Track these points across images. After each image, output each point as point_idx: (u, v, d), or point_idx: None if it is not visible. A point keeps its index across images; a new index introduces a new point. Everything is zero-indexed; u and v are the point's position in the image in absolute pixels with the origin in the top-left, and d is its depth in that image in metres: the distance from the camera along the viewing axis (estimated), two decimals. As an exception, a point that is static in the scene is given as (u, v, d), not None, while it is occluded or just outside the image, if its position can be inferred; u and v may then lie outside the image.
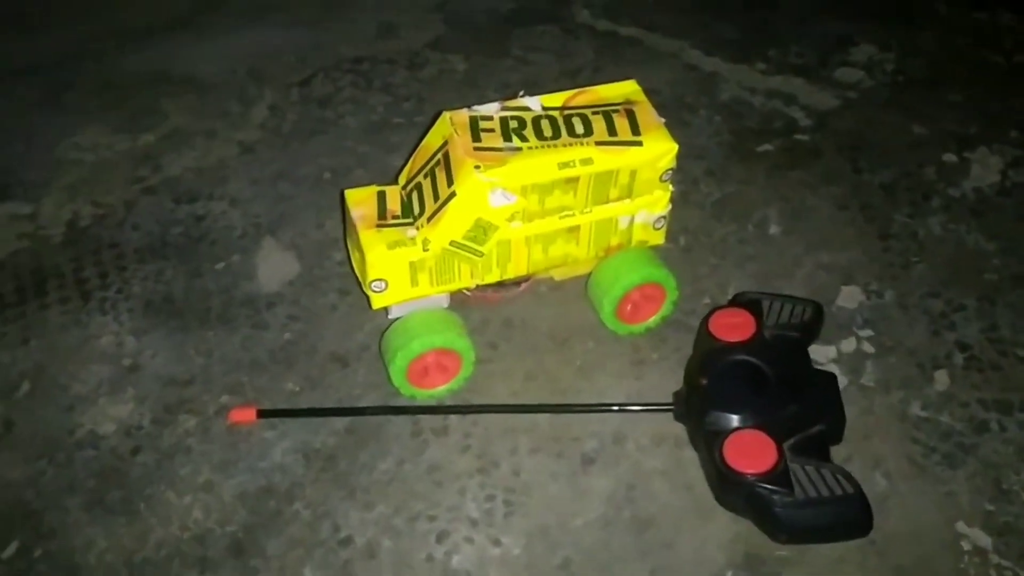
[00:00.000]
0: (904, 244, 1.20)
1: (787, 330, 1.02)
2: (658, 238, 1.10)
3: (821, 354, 1.07)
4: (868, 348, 1.08)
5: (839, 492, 0.87)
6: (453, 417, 1.04)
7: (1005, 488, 0.94)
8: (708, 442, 0.93)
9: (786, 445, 0.91)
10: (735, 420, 0.92)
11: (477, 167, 0.96)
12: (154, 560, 0.93)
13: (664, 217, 1.07)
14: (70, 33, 1.61)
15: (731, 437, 0.91)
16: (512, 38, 1.59)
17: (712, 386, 0.96)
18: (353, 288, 1.18)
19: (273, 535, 0.95)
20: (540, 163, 0.97)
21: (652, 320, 1.10)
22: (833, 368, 1.06)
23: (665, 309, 1.10)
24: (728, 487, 0.90)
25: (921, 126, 1.37)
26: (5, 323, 1.17)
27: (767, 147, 1.36)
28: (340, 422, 1.04)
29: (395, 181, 1.07)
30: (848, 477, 0.89)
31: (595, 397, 1.05)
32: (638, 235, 1.08)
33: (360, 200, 1.04)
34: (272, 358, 1.11)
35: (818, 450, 0.92)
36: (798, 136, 1.37)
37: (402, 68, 1.54)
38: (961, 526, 0.92)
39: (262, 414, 1.04)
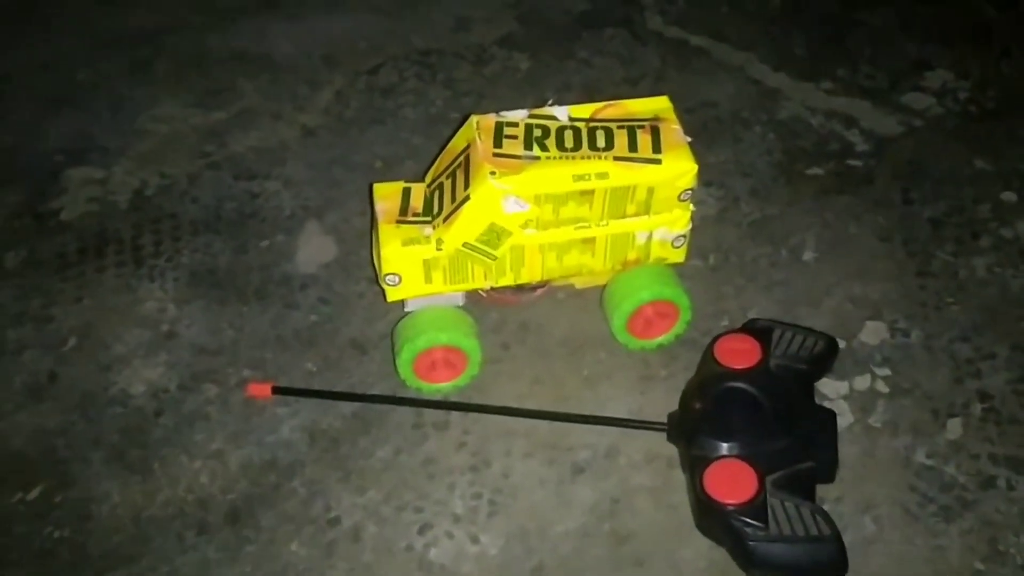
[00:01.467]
0: (942, 283, 1.16)
1: (795, 362, 1.01)
2: (678, 256, 1.10)
3: (832, 389, 1.05)
4: (882, 388, 1.05)
5: (814, 532, 0.87)
6: (455, 413, 1.07)
7: (1001, 549, 0.91)
8: (692, 466, 0.93)
9: (770, 479, 0.90)
10: (722, 448, 0.92)
11: (493, 173, 0.98)
12: (158, 518, 1.00)
13: (684, 236, 1.07)
14: (159, 10, 1.70)
15: (714, 465, 0.91)
16: (580, 40, 1.59)
17: (704, 411, 0.96)
18: (384, 277, 1.22)
19: (268, 508, 1.00)
20: (555, 174, 0.99)
21: (664, 337, 1.10)
22: (843, 405, 1.04)
23: (678, 328, 1.10)
24: (705, 514, 0.91)
25: (984, 161, 1.32)
26: (64, 281, 1.26)
27: (817, 170, 1.33)
28: (348, 406, 1.08)
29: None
30: (827, 518, 0.88)
31: (597, 408, 1.06)
32: (656, 252, 1.08)
33: (386, 194, 1.08)
34: (296, 338, 1.16)
35: (804, 488, 0.91)
36: (851, 161, 1.34)
37: (467, 63, 1.57)
38: (944, 581, 0.90)
39: (277, 390, 1.09)
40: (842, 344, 1.09)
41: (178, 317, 1.20)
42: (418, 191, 1.08)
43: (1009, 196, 1.26)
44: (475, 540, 0.96)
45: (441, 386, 1.08)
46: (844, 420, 1.02)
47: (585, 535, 0.95)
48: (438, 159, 1.09)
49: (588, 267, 1.08)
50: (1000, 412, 1.02)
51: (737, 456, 0.91)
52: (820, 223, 1.25)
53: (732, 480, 0.89)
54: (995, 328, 1.11)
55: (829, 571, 0.88)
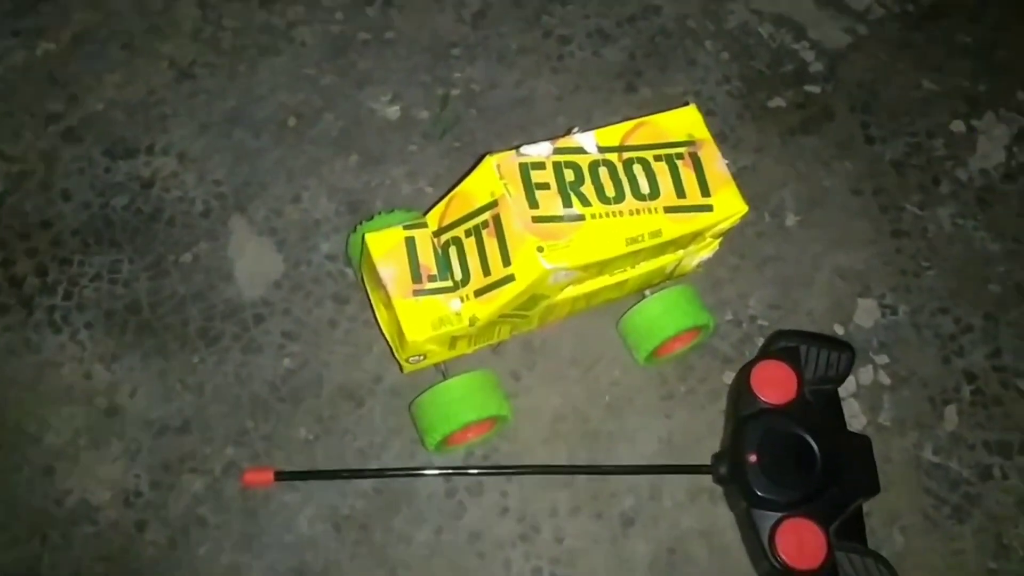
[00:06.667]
0: (916, 244, 1.18)
1: (824, 383, 1.01)
2: (695, 270, 1.03)
3: (842, 387, 1.07)
4: (884, 379, 1.09)
5: (880, 583, 0.93)
6: (486, 472, 1.00)
7: (1005, 543, 1.02)
8: (754, 524, 0.94)
9: (831, 529, 0.93)
10: (784, 505, 0.94)
11: (540, 249, 0.84)
12: (195, 665, 0.89)
13: (707, 258, 1.00)
14: None
15: (782, 527, 0.92)
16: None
17: (761, 464, 0.95)
18: (352, 295, 1.06)
19: (319, 628, 0.91)
20: (606, 238, 0.87)
21: (682, 350, 1.06)
22: (854, 405, 1.07)
23: (697, 341, 1.06)
24: (776, 574, 0.94)
25: (931, 81, 1.30)
26: (-67, 344, 0.99)
27: (779, 102, 1.26)
28: (367, 480, 0.98)
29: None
30: (887, 565, 0.93)
31: (626, 440, 1.03)
32: (679, 272, 1.01)
33: (386, 250, 0.90)
34: (274, 393, 1.01)
35: (857, 529, 0.96)
36: (809, 87, 1.27)
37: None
38: (967, 586, 1.01)
39: (281, 476, 0.95)
40: (840, 331, 1.11)
41: (113, 383, 1.00)
42: (423, 240, 0.91)
43: (958, 126, 1.27)
44: (548, 624, 0.94)
45: (466, 444, 1.00)
46: (858, 422, 1.06)
47: (652, 598, 0.96)
48: (446, 201, 0.91)
49: (613, 299, 1.00)
50: (985, 393, 1.10)
51: (801, 514, 0.93)
52: (794, 175, 1.21)
53: (803, 543, 0.92)
54: (967, 294, 1.15)
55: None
